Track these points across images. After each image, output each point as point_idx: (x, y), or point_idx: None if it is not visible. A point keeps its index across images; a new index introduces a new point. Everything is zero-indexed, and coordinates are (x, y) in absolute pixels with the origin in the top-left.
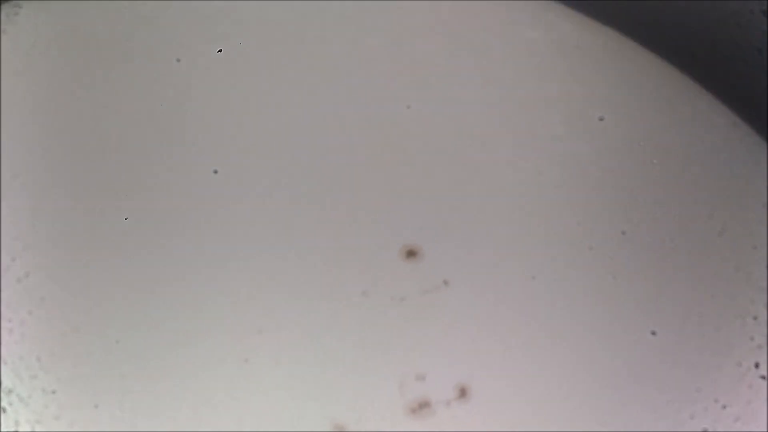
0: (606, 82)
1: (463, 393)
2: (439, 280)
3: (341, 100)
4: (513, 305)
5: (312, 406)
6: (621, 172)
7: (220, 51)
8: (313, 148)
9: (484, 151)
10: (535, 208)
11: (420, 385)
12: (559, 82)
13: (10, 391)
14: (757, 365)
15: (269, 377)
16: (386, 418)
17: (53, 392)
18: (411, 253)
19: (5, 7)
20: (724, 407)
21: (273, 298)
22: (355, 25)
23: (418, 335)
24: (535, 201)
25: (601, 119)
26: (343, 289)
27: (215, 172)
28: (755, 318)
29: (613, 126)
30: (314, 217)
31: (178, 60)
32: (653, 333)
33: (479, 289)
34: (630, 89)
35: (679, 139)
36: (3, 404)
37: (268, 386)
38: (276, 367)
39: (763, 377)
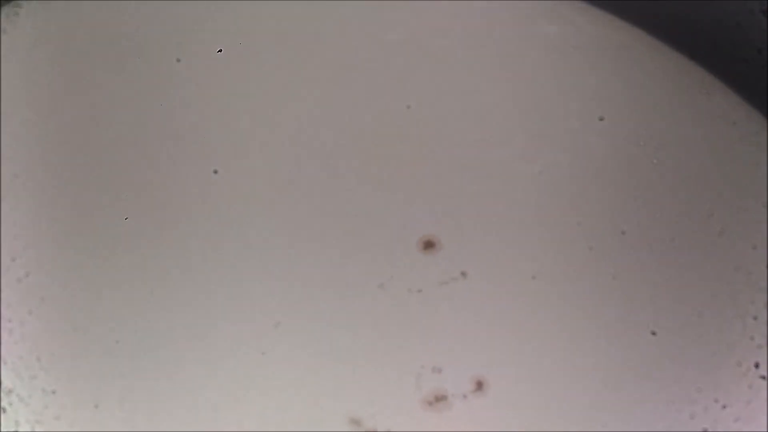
0: (607, 82)
1: (479, 386)
2: (456, 272)
3: (346, 95)
4: (516, 304)
5: (328, 398)
6: (621, 171)
7: (220, 51)
8: (325, 143)
9: (488, 149)
10: (535, 207)
11: (437, 377)
12: (560, 79)
13: (10, 391)
14: (757, 365)
15: (285, 370)
16: (403, 411)
17: (53, 392)
18: (429, 245)
19: (5, 7)
20: (724, 407)
21: (290, 291)
22: (361, 23)
23: (435, 327)
24: (536, 200)
25: (601, 119)
26: (360, 281)
27: (215, 172)
28: (755, 318)
29: (614, 125)
30: (331, 209)
31: (178, 60)
32: (653, 333)
33: (497, 282)
34: (631, 87)
35: (679, 138)
36: (3, 404)
37: (285, 380)
38: (293, 361)
39: (763, 377)
